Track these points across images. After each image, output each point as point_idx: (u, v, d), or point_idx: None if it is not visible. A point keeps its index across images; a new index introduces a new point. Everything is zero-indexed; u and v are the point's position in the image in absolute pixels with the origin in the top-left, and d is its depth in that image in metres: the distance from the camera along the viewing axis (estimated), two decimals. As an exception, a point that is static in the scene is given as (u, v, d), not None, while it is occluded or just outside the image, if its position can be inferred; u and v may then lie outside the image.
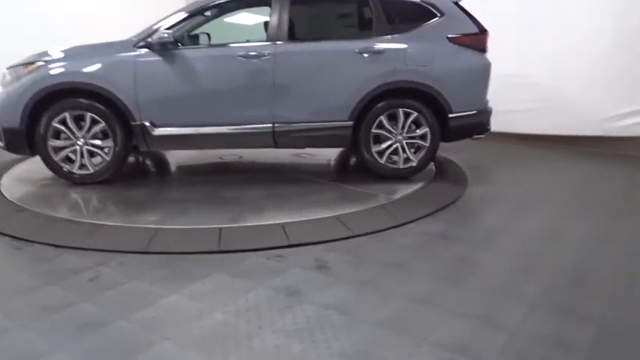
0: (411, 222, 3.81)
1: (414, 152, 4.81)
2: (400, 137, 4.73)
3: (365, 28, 4.75)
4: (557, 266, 3.11)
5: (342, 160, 5.77)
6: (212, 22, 4.92)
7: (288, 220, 3.71)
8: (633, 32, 5.98)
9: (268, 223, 3.68)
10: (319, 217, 3.82)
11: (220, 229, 3.55)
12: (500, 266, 3.12)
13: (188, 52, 4.52)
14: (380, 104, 4.65)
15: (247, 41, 4.67)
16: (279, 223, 3.66)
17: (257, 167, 5.42)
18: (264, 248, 3.30)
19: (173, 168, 5.58)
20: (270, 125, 4.59)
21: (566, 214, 4.08)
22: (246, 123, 4.57)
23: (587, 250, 3.38)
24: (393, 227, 3.69)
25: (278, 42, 4.54)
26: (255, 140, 4.68)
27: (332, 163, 5.65)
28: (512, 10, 6.50)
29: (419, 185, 4.67)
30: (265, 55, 4.47)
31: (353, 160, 5.70)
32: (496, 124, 5.08)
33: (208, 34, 5.21)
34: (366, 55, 4.54)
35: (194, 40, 5.01)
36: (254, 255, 3.22)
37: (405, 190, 4.54)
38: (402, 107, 4.66)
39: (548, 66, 6.48)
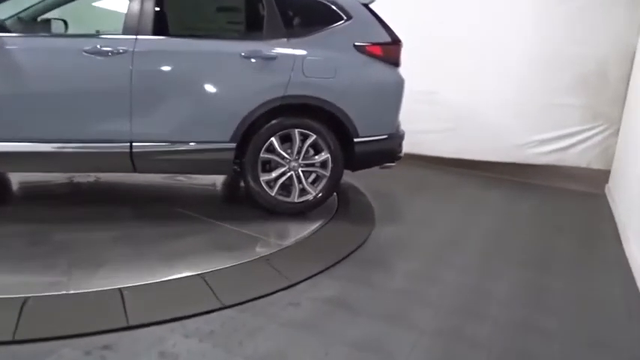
0: (302, 281, 2.91)
1: (312, 183, 3.93)
2: (295, 164, 3.83)
3: (254, 28, 3.81)
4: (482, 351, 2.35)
5: (232, 186, 4.75)
6: (69, 6, 3.77)
7: (132, 284, 2.67)
8: (546, 59, 5.54)
9: (102, 288, 2.62)
10: (178, 276, 2.82)
11: (25, 301, 2.43)
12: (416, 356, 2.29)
13: (13, 40, 3.34)
14: (270, 123, 3.72)
15: (97, 32, 3.56)
16: (118, 289, 2.60)
17: (114, 194, 4.27)
18: (85, 334, 2.25)
19: None
20: (127, 144, 3.51)
21: (488, 270, 3.36)
22: (93, 140, 3.46)
23: (517, 327, 2.65)
24: (278, 291, 2.77)
25: (139, 36, 3.47)
26: (105, 163, 3.58)
27: (218, 189, 4.63)
28: (427, 20, 5.85)
29: (317, 224, 3.79)
30: (120, 52, 3.40)
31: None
32: (404, 144, 4.33)
33: (65, 21, 4.03)
34: (253, 60, 3.60)
35: (40, 27, 3.81)
36: (68, 347, 2.17)
37: (300, 231, 3.64)
38: (297, 128, 3.78)
39: (462, 85, 5.91)
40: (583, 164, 5.77)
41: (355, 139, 3.88)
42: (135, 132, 3.50)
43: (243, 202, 3.99)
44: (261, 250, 3.26)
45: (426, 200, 4.88)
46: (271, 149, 3.79)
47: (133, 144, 3.52)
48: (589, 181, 5.76)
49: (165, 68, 3.51)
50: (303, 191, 3.90)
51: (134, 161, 3.56)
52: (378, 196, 4.67)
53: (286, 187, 3.90)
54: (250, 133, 3.72)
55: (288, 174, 3.84)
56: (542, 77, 5.56)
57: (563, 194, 5.48)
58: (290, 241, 3.46)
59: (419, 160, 6.04)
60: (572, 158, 5.76)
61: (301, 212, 3.92)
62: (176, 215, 3.77)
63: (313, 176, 3.96)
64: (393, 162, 4.18)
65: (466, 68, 5.82)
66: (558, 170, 5.92)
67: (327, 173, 3.90)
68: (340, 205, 4.27)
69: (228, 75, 3.60)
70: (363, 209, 4.32)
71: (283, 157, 3.82)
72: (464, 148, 6.05)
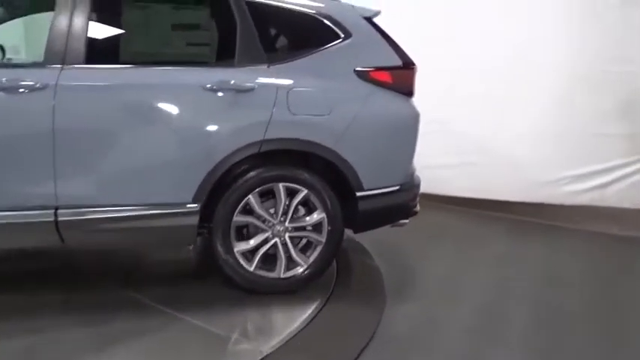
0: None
1: (303, 251, 3.01)
2: (280, 228, 2.91)
3: (224, 51, 2.88)
4: None
5: (201, 253, 3.77)
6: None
7: None
8: (584, 80, 4.65)
9: None
10: None
11: None
12: None
13: None
14: (246, 177, 2.81)
15: (9, 61, 2.65)
16: None
17: (38, 268, 3.27)
18: None
19: None
20: (50, 211, 2.58)
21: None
22: (5, 208, 2.53)
23: None
24: None
25: (66, 66, 2.56)
26: (22, 237, 2.65)
27: (182, 256, 3.63)
28: (437, 36, 4.96)
29: (310, 309, 2.85)
30: (38, 88, 2.48)
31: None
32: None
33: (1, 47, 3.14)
34: (221, 94, 2.69)
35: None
36: None
37: (288, 323, 2.71)
38: (282, 181, 2.85)
39: (481, 113, 5.00)
40: (627, 204, 4.84)
41: (358, 194, 2.96)
42: (61, 194, 2.58)
43: (212, 277, 3.04)
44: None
45: (445, 258, 3.93)
46: (249, 210, 2.86)
47: (59, 210, 2.59)
48: (634, 223, 4.83)
49: (102, 108, 2.59)
50: (291, 263, 2.97)
51: (61, 233, 2.63)
52: (385, 256, 3.73)
53: (269, 259, 2.96)
54: (220, 190, 2.80)
55: (272, 241, 2.92)
56: (578, 102, 4.66)
57: (606, 240, 4.54)
58: (274, 341, 2.51)
59: (431, 201, 5.07)
60: (614, 197, 4.83)
61: (289, 291, 2.97)
62: (120, 302, 2.82)
63: (304, 243, 3.04)
64: (406, 218, 3.26)
65: (486, 92, 4.92)
66: (597, 211, 4.98)
67: (323, 239, 2.97)
68: (340, 274, 3.32)
69: (188, 115, 2.69)
70: (369, 278, 3.38)
71: (265, 220, 2.89)
72: (484, 186, 5.13)
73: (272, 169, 2.85)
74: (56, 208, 2.59)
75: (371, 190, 2.99)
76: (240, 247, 2.88)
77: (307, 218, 2.96)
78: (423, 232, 4.19)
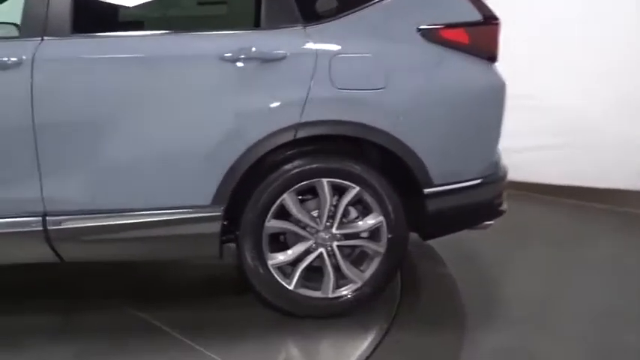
0: None
1: (356, 264, 2.36)
2: (326, 236, 2.26)
3: (244, 10, 2.24)
4: None
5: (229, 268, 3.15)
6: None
7: None
8: None
9: None
10: None
11: None
12: None
13: None
14: (280, 171, 2.18)
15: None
16: None
17: (29, 279, 2.75)
18: None
19: None
20: (38, 219, 2.07)
21: None
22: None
23: None
24: None
25: (46, 37, 2.03)
26: (6, 250, 2.16)
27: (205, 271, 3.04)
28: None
29: (367, 340, 2.21)
30: (12, 65, 1.97)
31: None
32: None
33: None
34: (242, 64, 2.07)
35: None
36: None
37: (336, 361, 2.07)
38: (327, 177, 2.20)
39: (575, 85, 4.10)
40: None
41: (427, 190, 2.26)
42: (49, 197, 2.07)
43: (243, 298, 2.46)
44: None
45: (539, 265, 3.12)
46: (284, 214, 2.25)
47: (48, 218, 2.08)
48: None
49: (91, 88, 2.04)
50: (341, 279, 2.33)
51: (54, 245, 2.12)
52: (462, 264, 3.00)
53: (313, 275, 2.35)
54: (247, 189, 2.20)
55: (316, 252, 2.28)
56: None
57: None
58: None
59: (516, 190, 4.24)
60: None
61: (339, 315, 2.34)
62: (126, 324, 2.30)
63: (357, 253, 2.39)
64: (491, 219, 2.53)
65: (582, 60, 4.03)
66: None
67: (381, 248, 2.30)
68: (404, 291, 2.63)
69: (201, 94, 2.09)
70: (444, 296, 2.68)
71: (306, 226, 2.26)
72: (580, 171, 4.24)
73: (312, 161, 2.21)
74: (44, 215, 2.08)
75: (443, 185, 2.29)
76: (276, 259, 2.28)
77: (360, 223, 2.31)
78: (508, 231, 3.35)
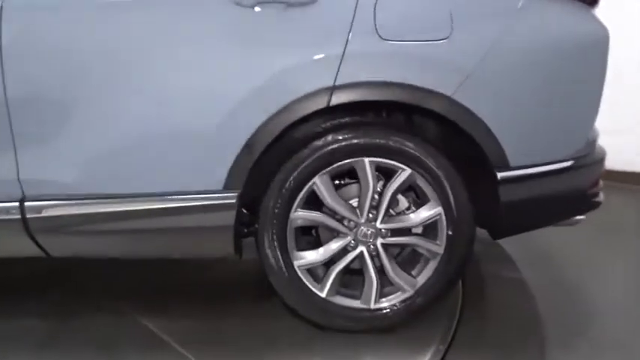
0: None
1: (407, 267, 1.86)
2: (369, 231, 1.78)
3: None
4: None
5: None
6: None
7: None
8: None
9: None
10: None
11: None
12: None
13: None
14: (309, 148, 1.71)
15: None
16: None
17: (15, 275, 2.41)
18: None
19: None
20: (15, 204, 1.69)
21: None
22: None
23: None
24: None
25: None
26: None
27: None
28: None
29: (418, 366, 1.71)
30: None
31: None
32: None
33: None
34: (259, 9, 1.60)
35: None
36: None
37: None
38: (370, 155, 1.71)
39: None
40: None
41: (501, 175, 1.73)
42: (26, 179, 1.68)
43: (264, 307, 2.01)
44: None
45: (637, 268, 2.54)
46: (314, 201, 1.77)
47: (27, 203, 1.70)
48: None
49: (78, 42, 1.62)
50: (387, 286, 1.85)
51: (35, 237, 1.74)
52: (540, 266, 2.45)
53: (352, 279, 1.87)
54: (267, 171, 1.74)
55: (355, 252, 1.80)
56: None
57: None
58: None
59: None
60: None
61: (382, 330, 1.86)
62: (121, 329, 1.90)
63: (407, 254, 1.90)
64: (582, 213, 1.97)
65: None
66: None
67: (439, 248, 1.80)
68: (467, 301, 2.10)
69: (208, 47, 1.63)
70: (516, 311, 2.12)
71: (342, 218, 1.78)
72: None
73: (351, 136, 1.72)
74: (22, 201, 1.70)
75: (522, 168, 1.75)
76: (305, 259, 1.82)
77: (412, 216, 1.81)
78: (594, 225, 2.77)
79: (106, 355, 1.79)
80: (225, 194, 1.71)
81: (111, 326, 1.95)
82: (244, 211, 1.86)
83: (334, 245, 1.80)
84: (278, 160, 1.75)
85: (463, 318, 1.97)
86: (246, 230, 1.89)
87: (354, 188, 1.84)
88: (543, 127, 1.76)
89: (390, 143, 1.71)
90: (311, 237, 1.93)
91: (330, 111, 1.69)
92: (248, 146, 1.67)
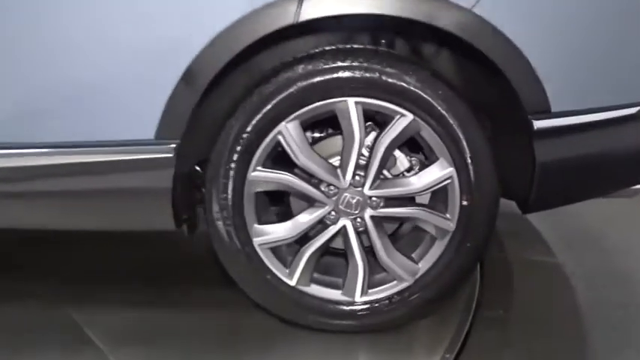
0: None
1: (406, 247, 1.38)
2: (354, 199, 1.30)
3: None
4: None
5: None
6: None
7: None
8: None
9: None
10: None
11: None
12: None
13: None
14: (274, 82, 1.23)
15: None
16: None
17: None
18: None
19: None
20: None
21: None
22: None
23: None
24: None
25: None
26: None
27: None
28: None
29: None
30: None
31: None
32: None
33: None
34: None
35: None
36: None
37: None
38: (358, 95, 1.23)
39: None
40: None
41: (539, 123, 1.24)
42: None
43: (225, 291, 1.54)
44: None
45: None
46: (281, 159, 1.31)
47: None
48: None
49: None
50: (377, 272, 1.38)
51: None
52: (579, 253, 1.94)
53: (330, 263, 1.41)
54: (214, 115, 1.28)
55: (336, 227, 1.34)
56: None
57: None
58: None
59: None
60: None
61: (372, 330, 1.40)
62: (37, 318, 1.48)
63: (406, 231, 1.43)
64: (642, 182, 1.48)
65: None
66: None
67: (450, 223, 1.32)
68: (484, 293, 1.62)
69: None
70: (548, 308, 1.63)
71: (319, 182, 1.31)
72: None
73: (331, 66, 1.24)
74: None
75: (569, 114, 1.26)
76: (268, 235, 1.36)
77: (414, 179, 1.32)
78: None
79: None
80: (157, 146, 1.25)
81: (32, 314, 1.53)
82: (198, 170, 1.42)
83: (307, 217, 1.34)
84: (233, 102, 1.29)
85: (478, 318, 1.49)
86: (200, 198, 1.44)
87: (336, 142, 1.37)
88: (604, 57, 1.26)
89: (384, 77, 1.23)
90: (283, 207, 1.47)
91: (299, 31, 1.22)
92: (187, 79, 1.20)
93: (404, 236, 1.46)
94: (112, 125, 1.26)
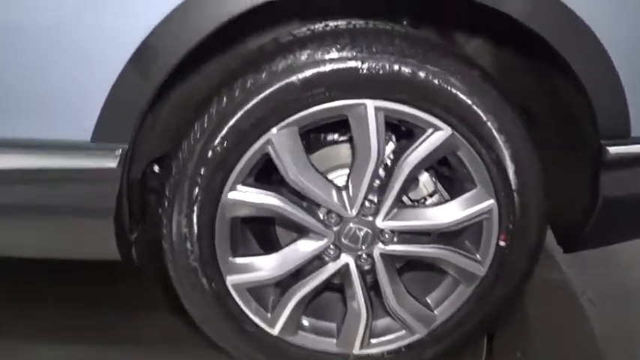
0: None
1: (419, 288, 1.09)
2: (362, 231, 0.98)
3: None
4: None
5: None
6: None
7: None
8: None
9: None
10: None
11: None
12: None
13: None
14: (261, 74, 0.87)
15: None
16: None
17: None
18: None
19: None
20: None
21: None
22: None
23: None
24: None
25: None
26: None
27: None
28: None
29: None
30: None
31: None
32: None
33: None
34: None
35: None
36: None
37: None
38: (379, 97, 0.89)
39: None
40: None
41: (612, 149, 0.94)
42: None
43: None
44: None
45: None
46: (262, 176, 0.97)
47: None
48: None
49: None
50: (380, 318, 1.08)
51: None
52: (596, 271, 1.69)
53: (321, 304, 1.11)
54: (181, 117, 0.93)
55: (336, 266, 1.02)
56: None
57: None
58: None
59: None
60: None
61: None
62: None
63: (420, 271, 1.13)
64: None
65: None
66: None
67: (480, 268, 1.02)
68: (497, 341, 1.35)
69: None
70: (565, 334, 1.38)
71: (317, 207, 0.97)
72: None
73: (343, 55, 0.88)
74: None
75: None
76: (246, 272, 1.02)
77: (439, 211, 1.01)
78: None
79: None
80: (95, 150, 0.89)
81: None
82: (157, 170, 1.07)
83: (299, 252, 1.01)
84: (208, 98, 0.93)
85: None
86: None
87: (340, 152, 1.04)
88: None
89: (422, 75, 0.89)
90: (268, 235, 1.13)
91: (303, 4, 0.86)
92: (137, 63, 0.83)
93: (415, 273, 1.16)
94: (38, 123, 0.88)
